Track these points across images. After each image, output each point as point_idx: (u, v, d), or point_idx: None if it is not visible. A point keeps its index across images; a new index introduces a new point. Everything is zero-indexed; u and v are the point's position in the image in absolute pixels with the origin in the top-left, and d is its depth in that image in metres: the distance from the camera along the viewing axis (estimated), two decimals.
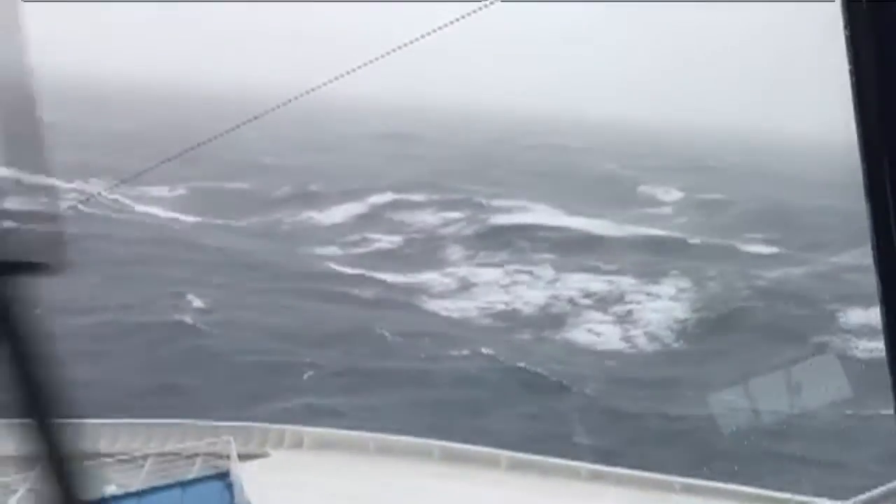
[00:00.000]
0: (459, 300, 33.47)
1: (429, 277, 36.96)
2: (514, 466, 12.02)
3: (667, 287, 34.87)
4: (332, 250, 43.68)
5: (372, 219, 51.77)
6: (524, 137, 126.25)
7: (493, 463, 12.05)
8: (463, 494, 11.44)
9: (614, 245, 43.51)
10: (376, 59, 7.95)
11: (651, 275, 36.60)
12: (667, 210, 63.90)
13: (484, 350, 26.17)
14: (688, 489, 11.34)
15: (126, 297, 29.00)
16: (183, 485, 11.52)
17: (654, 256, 40.58)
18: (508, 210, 53.15)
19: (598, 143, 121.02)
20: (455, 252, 43.03)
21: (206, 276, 33.36)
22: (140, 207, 50.75)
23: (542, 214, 51.80)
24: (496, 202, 55.64)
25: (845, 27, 1.37)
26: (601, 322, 30.87)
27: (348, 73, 8.19)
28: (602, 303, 33.00)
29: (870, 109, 1.43)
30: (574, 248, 42.27)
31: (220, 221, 49.47)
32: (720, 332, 29.50)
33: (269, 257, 38.97)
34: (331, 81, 8.39)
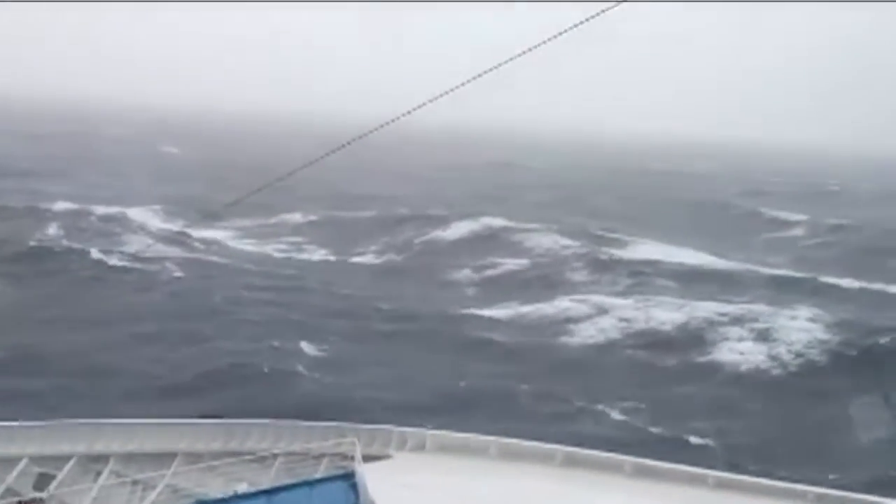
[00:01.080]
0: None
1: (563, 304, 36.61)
2: (639, 472, 11.73)
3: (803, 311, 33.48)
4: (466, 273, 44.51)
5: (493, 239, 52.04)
6: (640, 162, 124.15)
7: (616, 469, 11.80)
8: (584, 499, 11.24)
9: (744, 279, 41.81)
10: (464, 83, 7.73)
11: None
12: (796, 240, 60.90)
13: None
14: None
15: None
16: (310, 484, 11.80)
17: (783, 293, 38.59)
18: (623, 244, 52.00)
19: (717, 168, 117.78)
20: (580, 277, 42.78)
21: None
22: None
23: (661, 250, 50.25)
24: (613, 236, 54.34)
25: None
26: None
27: (443, 94, 8.00)
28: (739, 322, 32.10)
29: None
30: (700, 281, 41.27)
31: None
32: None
33: None
34: (429, 102, 8.22)
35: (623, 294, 38.43)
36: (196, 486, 12.08)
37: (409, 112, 8.06)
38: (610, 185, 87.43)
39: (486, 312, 35.82)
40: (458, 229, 55.34)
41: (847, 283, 40.89)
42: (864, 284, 40.73)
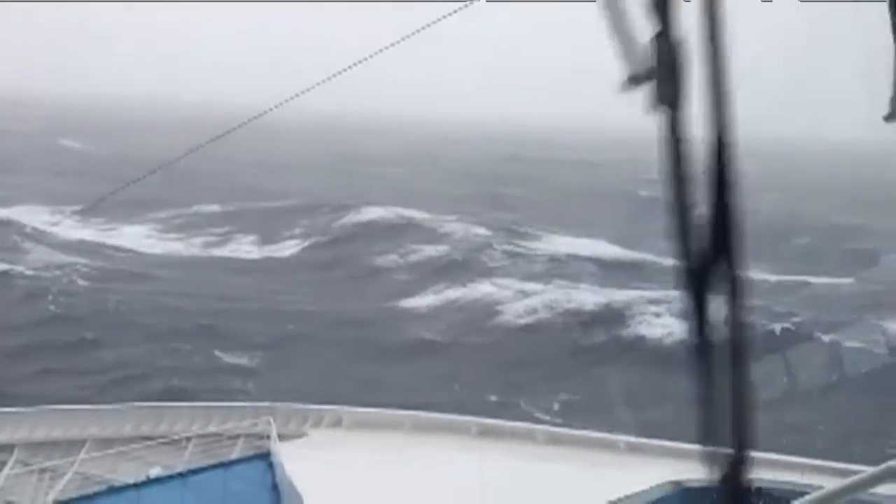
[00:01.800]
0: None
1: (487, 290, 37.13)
2: (554, 440, 12.11)
3: None
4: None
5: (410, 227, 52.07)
6: (544, 151, 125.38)
7: (530, 437, 12.16)
8: (500, 468, 11.56)
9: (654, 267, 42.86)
10: (341, 71, 7.63)
11: None
12: None
13: None
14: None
15: None
16: (225, 465, 11.74)
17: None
18: (537, 237, 52.66)
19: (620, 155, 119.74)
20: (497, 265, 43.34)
21: None
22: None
23: (573, 242, 51.23)
24: (524, 229, 54.61)
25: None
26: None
27: (310, 88, 7.95)
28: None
29: None
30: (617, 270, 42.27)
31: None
32: None
33: None
34: (291, 98, 8.22)
35: (543, 280, 39.32)
36: (107, 472, 11.89)
37: (287, 100, 8.11)
38: (516, 175, 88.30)
39: (421, 301, 36.20)
40: (369, 214, 55.51)
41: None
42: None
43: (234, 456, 12.07)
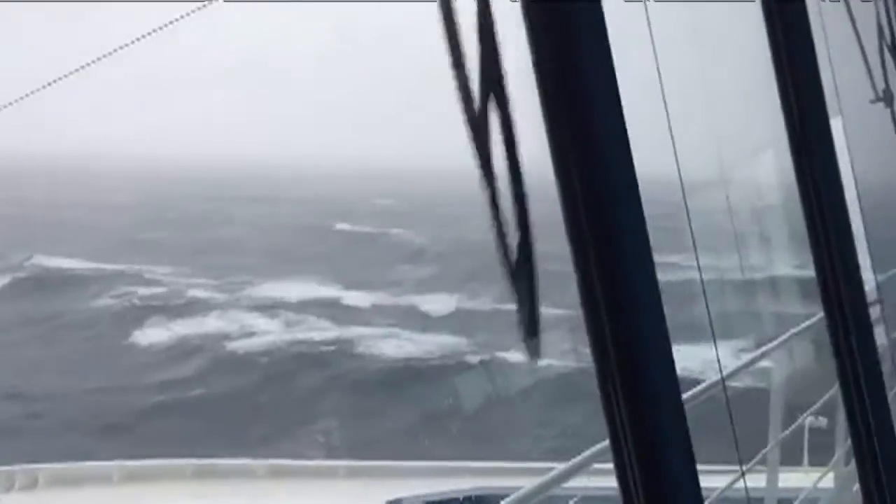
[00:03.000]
0: None
1: None
2: (275, 473, 11.99)
3: None
4: None
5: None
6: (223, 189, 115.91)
7: (250, 474, 11.94)
8: None
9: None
10: None
11: None
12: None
13: None
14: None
15: None
16: None
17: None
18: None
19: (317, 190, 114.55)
20: None
21: None
22: None
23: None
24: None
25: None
26: None
27: None
28: None
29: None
30: None
31: None
32: None
33: None
34: None
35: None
36: None
37: None
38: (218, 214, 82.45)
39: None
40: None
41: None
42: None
43: None
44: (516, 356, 28.20)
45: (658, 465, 1.26)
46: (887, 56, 3.27)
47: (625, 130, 1.27)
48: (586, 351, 1.28)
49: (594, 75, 1.25)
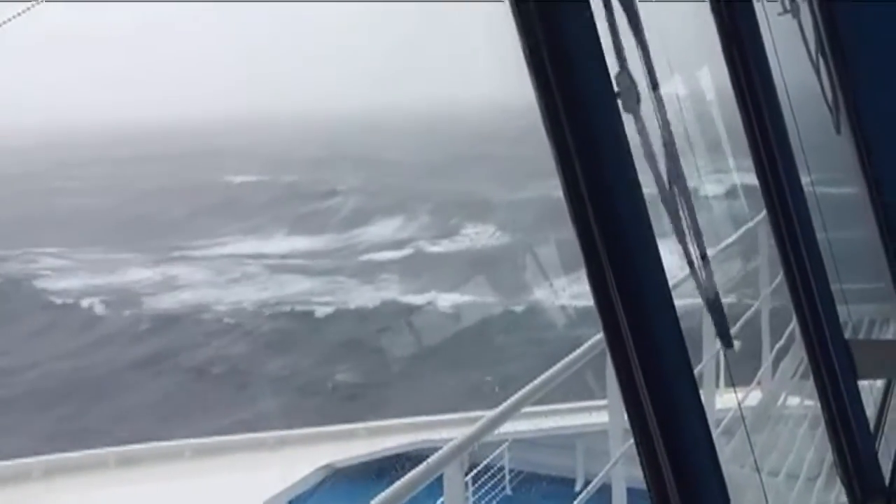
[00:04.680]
0: None
1: None
2: (200, 452, 11.72)
3: None
4: None
5: None
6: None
7: (176, 455, 11.65)
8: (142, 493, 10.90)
9: None
10: None
11: None
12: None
13: None
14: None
15: None
16: None
17: None
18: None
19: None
20: None
21: None
22: None
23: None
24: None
25: None
26: None
27: None
28: None
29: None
30: None
31: None
32: None
33: None
34: None
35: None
36: None
37: None
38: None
39: None
40: None
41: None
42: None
43: None
44: None
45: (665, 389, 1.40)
46: None
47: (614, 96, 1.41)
48: None
49: (587, 69, 1.37)
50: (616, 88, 1.42)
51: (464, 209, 46.08)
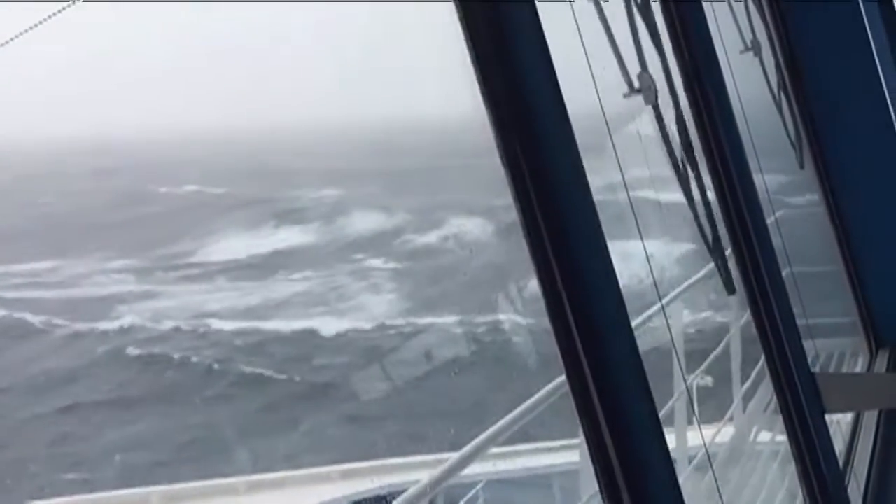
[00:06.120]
0: None
1: None
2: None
3: None
4: None
5: None
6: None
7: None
8: None
9: None
10: None
11: None
12: None
13: None
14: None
15: None
16: None
17: None
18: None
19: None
20: None
21: None
22: None
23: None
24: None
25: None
26: None
27: None
28: None
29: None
30: None
31: None
32: None
33: None
34: None
35: None
36: None
37: None
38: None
39: None
40: None
41: None
42: None
43: None
44: None
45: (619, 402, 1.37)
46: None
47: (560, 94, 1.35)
48: None
49: (533, 71, 1.33)
50: (637, 86, 1.45)
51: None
